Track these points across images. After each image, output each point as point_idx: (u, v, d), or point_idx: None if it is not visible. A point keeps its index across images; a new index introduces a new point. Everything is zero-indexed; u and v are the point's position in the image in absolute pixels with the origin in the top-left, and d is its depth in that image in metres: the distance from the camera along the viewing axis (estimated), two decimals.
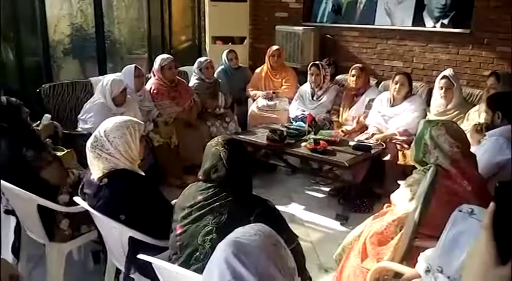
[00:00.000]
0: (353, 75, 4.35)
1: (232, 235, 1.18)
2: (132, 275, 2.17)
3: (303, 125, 4.15)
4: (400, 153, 3.79)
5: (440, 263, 1.42)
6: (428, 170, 2.05)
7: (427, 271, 1.54)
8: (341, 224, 3.53)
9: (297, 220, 3.64)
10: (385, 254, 1.98)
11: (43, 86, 4.08)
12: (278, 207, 3.80)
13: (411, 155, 2.25)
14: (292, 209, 3.82)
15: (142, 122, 2.21)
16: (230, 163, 1.81)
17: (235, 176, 1.82)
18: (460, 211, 1.40)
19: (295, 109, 4.63)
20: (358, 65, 4.43)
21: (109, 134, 2.03)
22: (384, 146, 3.83)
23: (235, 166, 1.83)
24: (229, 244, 1.12)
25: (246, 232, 1.18)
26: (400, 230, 2.02)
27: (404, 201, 2.09)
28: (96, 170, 2.06)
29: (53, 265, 2.48)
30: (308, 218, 3.68)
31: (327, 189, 4.18)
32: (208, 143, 1.96)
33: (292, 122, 4.49)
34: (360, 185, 3.82)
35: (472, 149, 2.61)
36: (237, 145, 1.95)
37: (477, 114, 3.40)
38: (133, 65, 4.05)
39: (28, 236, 2.65)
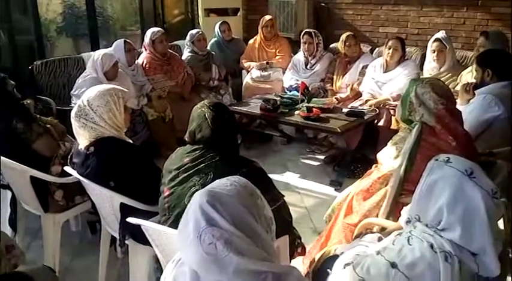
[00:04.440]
0: (349, 45, 4.30)
1: (209, 186, 1.20)
2: (126, 242, 2.22)
3: (297, 94, 4.15)
4: (393, 118, 3.79)
5: (418, 211, 1.44)
6: (414, 128, 2.06)
7: (408, 221, 1.57)
8: (335, 189, 3.56)
9: (292, 187, 3.68)
10: (367, 209, 2.02)
11: (35, 63, 4.09)
12: (273, 176, 3.88)
13: (398, 114, 2.26)
14: (287, 178, 3.85)
15: (126, 90, 2.22)
16: (215, 123, 1.83)
17: (220, 137, 1.84)
18: (437, 160, 1.42)
19: (289, 79, 4.62)
20: (349, 33, 4.38)
21: (92, 103, 2.04)
22: (377, 111, 3.83)
23: (220, 126, 1.85)
24: (204, 193, 1.14)
25: (222, 183, 1.20)
26: (385, 187, 2.05)
27: (390, 159, 2.11)
28: (82, 139, 2.08)
29: (49, 235, 2.53)
30: (303, 185, 3.72)
31: (322, 157, 4.20)
32: (195, 107, 1.98)
33: (286, 92, 4.49)
34: (354, 151, 3.84)
35: (461, 108, 2.62)
36: (223, 107, 1.97)
37: (470, 76, 3.38)
38: (122, 40, 4.03)
39: (24, 209, 2.70)
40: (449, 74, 3.69)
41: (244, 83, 4.84)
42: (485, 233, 1.32)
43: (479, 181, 1.33)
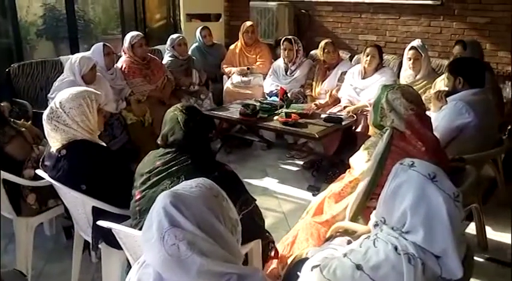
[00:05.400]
0: (327, 52, 4.36)
1: (173, 188, 1.20)
2: (99, 246, 2.20)
3: (277, 99, 4.18)
4: None
5: (383, 214, 1.47)
6: (385, 133, 2.10)
7: (376, 225, 1.59)
8: (313, 194, 3.58)
9: (270, 192, 3.70)
10: (337, 211, 2.05)
11: (12, 66, 4.04)
12: (252, 181, 3.89)
13: (369, 119, 2.30)
14: (266, 183, 3.87)
15: (99, 93, 2.21)
16: (187, 126, 1.84)
17: (192, 140, 1.85)
18: (401, 163, 1.45)
19: (269, 84, 4.64)
20: (328, 40, 4.44)
21: (65, 105, 2.03)
22: (355, 117, 3.88)
23: (192, 129, 1.86)
24: (168, 194, 1.14)
25: (187, 185, 1.21)
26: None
27: (362, 163, 2.14)
28: (54, 141, 2.06)
29: (21, 239, 2.49)
30: (281, 190, 3.74)
31: (301, 162, 4.23)
32: (168, 110, 1.98)
33: (266, 97, 4.52)
34: (332, 156, 3.88)
35: (433, 115, 2.68)
36: (195, 110, 1.98)
37: (443, 83, 3.45)
38: (101, 43, 4.01)
39: None
40: (425, 82, 3.76)
41: (224, 88, 4.86)
42: (447, 235, 1.34)
43: (441, 185, 1.36)
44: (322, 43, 4.39)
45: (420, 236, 1.35)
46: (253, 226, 1.93)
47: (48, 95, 3.73)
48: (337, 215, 2.04)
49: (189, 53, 4.91)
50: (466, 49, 3.51)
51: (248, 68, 4.86)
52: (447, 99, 2.72)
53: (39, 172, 2.18)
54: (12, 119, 2.72)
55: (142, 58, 4.30)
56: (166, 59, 4.71)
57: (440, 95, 2.80)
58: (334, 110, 4.09)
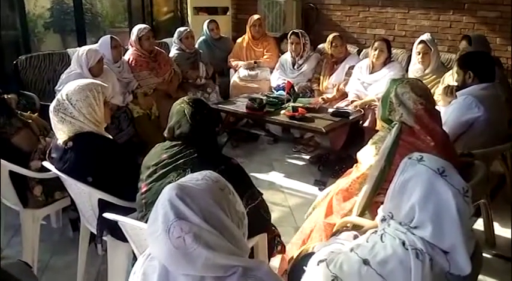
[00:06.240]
0: (335, 46, 4.32)
1: (179, 180, 1.19)
2: (104, 238, 2.21)
3: (284, 93, 4.16)
4: None
5: (391, 209, 1.45)
6: (393, 127, 2.07)
7: (383, 219, 1.58)
8: (319, 189, 3.56)
9: (277, 186, 3.69)
10: (347, 209, 2.03)
11: (19, 58, 4.05)
12: (259, 175, 3.88)
13: (378, 114, 2.27)
14: (272, 177, 3.86)
15: (106, 85, 2.20)
16: (194, 119, 1.84)
17: (198, 133, 1.84)
18: (410, 158, 1.43)
19: (276, 78, 4.62)
20: (336, 34, 4.40)
21: (71, 97, 2.02)
22: (362, 112, 3.85)
23: (199, 122, 1.85)
24: (174, 187, 1.13)
25: (193, 177, 1.20)
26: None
27: (369, 158, 2.12)
28: (61, 134, 2.06)
29: (28, 231, 2.50)
30: (287, 184, 3.73)
31: (308, 157, 4.22)
32: (175, 103, 1.97)
33: (273, 91, 4.49)
34: (339, 151, 3.86)
35: (442, 110, 2.65)
36: (202, 103, 1.97)
37: (452, 78, 3.41)
38: (108, 36, 4.01)
39: (4, 205, 2.66)
40: (434, 76, 3.72)
41: (231, 82, 4.84)
42: (456, 231, 1.32)
43: (450, 180, 1.34)
44: (330, 37, 4.35)
45: (428, 231, 1.34)
46: (260, 219, 1.92)
47: (56, 87, 3.73)
48: (349, 215, 2.02)
49: (196, 46, 4.89)
50: (471, 44, 3.47)
51: (255, 62, 4.84)
52: (456, 93, 2.69)
53: (46, 163, 2.19)
54: (19, 111, 2.72)
55: (149, 51, 4.29)
56: (173, 52, 4.70)
57: (449, 89, 2.77)
58: (342, 104, 4.07)
